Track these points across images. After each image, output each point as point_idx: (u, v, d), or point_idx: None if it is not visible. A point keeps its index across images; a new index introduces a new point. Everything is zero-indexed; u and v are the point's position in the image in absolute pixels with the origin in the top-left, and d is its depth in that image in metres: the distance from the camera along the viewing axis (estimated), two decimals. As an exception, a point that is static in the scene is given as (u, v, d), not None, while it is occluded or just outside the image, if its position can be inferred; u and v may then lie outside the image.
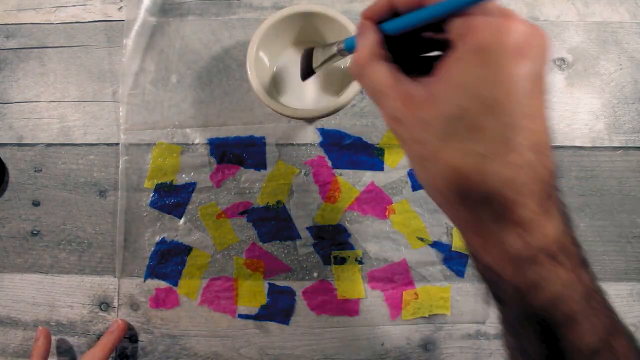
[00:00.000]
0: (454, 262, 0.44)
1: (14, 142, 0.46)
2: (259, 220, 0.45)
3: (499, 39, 0.22)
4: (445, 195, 0.25)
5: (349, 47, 0.32)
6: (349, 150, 0.45)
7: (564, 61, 0.47)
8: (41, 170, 0.46)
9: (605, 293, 0.26)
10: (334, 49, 0.33)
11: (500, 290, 0.26)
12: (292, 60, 0.45)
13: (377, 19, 0.27)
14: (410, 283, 0.44)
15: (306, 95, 0.44)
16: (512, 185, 0.23)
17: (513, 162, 0.23)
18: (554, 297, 0.24)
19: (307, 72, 0.37)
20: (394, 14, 0.27)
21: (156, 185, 0.45)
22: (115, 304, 0.44)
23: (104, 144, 0.46)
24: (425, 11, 0.25)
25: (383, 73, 0.26)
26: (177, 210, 0.45)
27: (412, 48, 0.28)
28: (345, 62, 0.44)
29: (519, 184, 0.23)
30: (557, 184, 0.25)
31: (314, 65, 0.36)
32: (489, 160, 0.23)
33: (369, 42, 0.27)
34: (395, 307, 0.44)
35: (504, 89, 0.23)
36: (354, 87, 0.39)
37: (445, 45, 0.25)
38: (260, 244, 0.45)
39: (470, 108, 0.23)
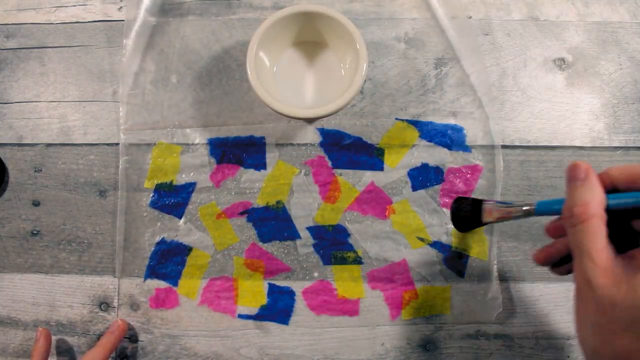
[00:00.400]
0: (453, 262, 0.44)
1: (14, 142, 0.46)
2: (259, 220, 0.45)
3: None
4: None
5: (543, 211, 0.31)
6: (349, 150, 0.45)
7: (564, 61, 0.47)
8: (41, 170, 0.46)
9: None
10: (521, 211, 0.33)
11: None
12: (292, 60, 0.45)
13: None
14: (410, 283, 0.44)
15: (306, 95, 0.44)
16: None
17: None
18: None
19: (472, 224, 0.39)
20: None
21: (156, 185, 0.45)
22: (115, 304, 0.44)
23: (104, 144, 0.46)
24: None
25: (600, 235, 0.25)
26: (177, 210, 0.45)
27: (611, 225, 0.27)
28: (345, 64, 0.44)
29: None
30: None
31: (486, 219, 0.37)
32: None
33: (599, 198, 0.26)
34: (395, 307, 0.44)
35: None
36: (354, 87, 0.39)
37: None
38: (260, 244, 0.45)
39: None
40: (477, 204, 0.39)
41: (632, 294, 0.23)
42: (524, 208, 0.33)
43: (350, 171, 0.45)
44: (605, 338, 0.24)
